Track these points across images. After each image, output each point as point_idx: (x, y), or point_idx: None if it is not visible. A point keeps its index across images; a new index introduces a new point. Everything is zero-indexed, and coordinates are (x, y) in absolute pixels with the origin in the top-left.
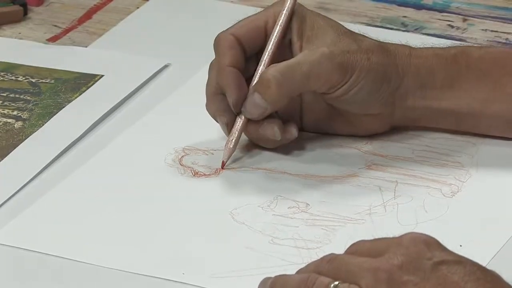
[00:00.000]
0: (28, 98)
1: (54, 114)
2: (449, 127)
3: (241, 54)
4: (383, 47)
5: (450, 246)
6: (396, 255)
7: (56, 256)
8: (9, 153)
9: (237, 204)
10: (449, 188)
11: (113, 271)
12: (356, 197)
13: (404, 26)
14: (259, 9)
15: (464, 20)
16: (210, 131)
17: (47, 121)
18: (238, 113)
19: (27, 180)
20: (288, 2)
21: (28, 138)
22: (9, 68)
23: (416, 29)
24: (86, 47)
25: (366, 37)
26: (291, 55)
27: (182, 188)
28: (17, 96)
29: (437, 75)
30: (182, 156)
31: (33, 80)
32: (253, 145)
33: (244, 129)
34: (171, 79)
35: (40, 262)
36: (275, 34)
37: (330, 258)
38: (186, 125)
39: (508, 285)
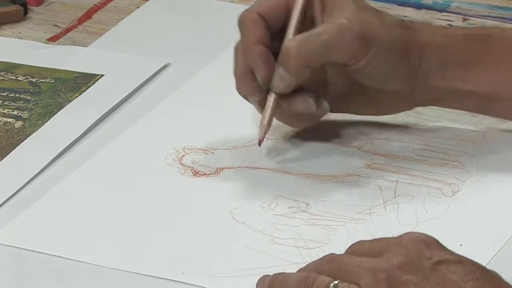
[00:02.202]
0: (28, 97)
1: (54, 114)
2: (470, 109)
3: (266, 31)
4: (405, 24)
5: (450, 246)
6: (395, 255)
7: (56, 256)
8: (9, 153)
9: (237, 203)
10: (449, 187)
11: (113, 271)
12: (357, 197)
13: None
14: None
15: (464, 19)
16: (210, 131)
17: (47, 121)
18: (269, 90)
19: (27, 180)
20: None
21: (28, 138)
22: (9, 68)
23: None
24: (86, 47)
25: (389, 14)
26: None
27: (182, 187)
28: (17, 95)
29: (458, 55)
30: (182, 156)
31: (33, 80)
32: (253, 145)
33: (276, 105)
34: (171, 79)
35: (40, 262)
36: (298, 8)
37: (330, 258)
38: (186, 125)
39: (508, 285)
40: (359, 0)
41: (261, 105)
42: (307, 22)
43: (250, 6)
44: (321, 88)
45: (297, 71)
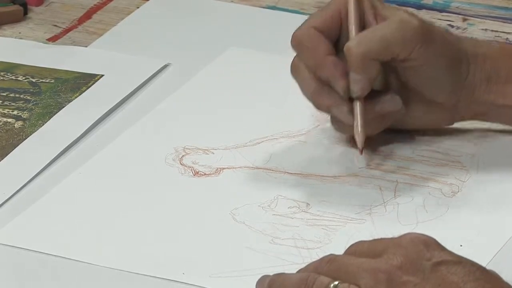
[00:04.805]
0: (28, 97)
1: (54, 114)
2: (510, 124)
3: (329, 43)
4: (451, 33)
5: (450, 246)
6: (395, 256)
7: (56, 256)
8: (9, 153)
9: (237, 203)
10: (449, 188)
11: (113, 271)
12: (357, 197)
13: None
14: (259, 9)
15: (464, 19)
16: (210, 131)
17: (47, 121)
18: (351, 99)
19: (27, 180)
20: None
21: (28, 138)
22: (9, 68)
23: None
24: (86, 47)
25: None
26: None
27: (183, 187)
28: (17, 95)
29: (502, 69)
30: (183, 156)
31: (33, 80)
32: (253, 145)
33: (363, 110)
34: (171, 79)
35: (40, 262)
36: (352, 15)
37: (330, 259)
38: (186, 125)
39: (507, 285)
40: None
41: (349, 114)
42: (362, 28)
43: (302, 23)
44: None
45: (363, 67)
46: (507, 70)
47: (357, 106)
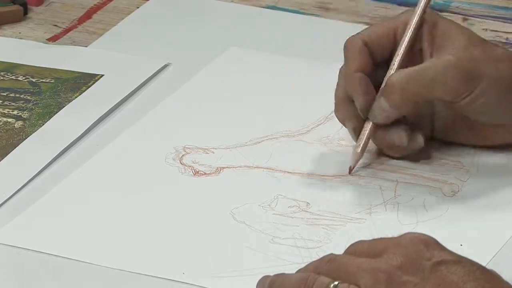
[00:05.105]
0: (28, 97)
1: (54, 114)
2: None
3: (369, 59)
4: (511, 57)
5: (450, 246)
6: (395, 256)
7: (56, 256)
8: (9, 153)
9: (238, 203)
10: (449, 187)
11: (113, 271)
12: (357, 197)
13: None
14: (259, 9)
15: (464, 19)
16: (210, 130)
17: (47, 121)
18: (366, 119)
19: (27, 180)
20: (420, 9)
21: (28, 138)
22: (9, 67)
23: None
24: (86, 47)
25: (499, 46)
26: (421, 62)
27: (183, 187)
28: (17, 95)
29: None
30: (183, 155)
31: (33, 80)
32: (253, 144)
33: (372, 134)
34: (171, 79)
35: (40, 262)
36: (405, 40)
37: (330, 259)
38: (186, 125)
39: (508, 285)
40: (470, 33)
41: (356, 132)
42: (415, 53)
43: (362, 30)
44: (427, 120)
45: (399, 105)
46: None
47: (368, 128)
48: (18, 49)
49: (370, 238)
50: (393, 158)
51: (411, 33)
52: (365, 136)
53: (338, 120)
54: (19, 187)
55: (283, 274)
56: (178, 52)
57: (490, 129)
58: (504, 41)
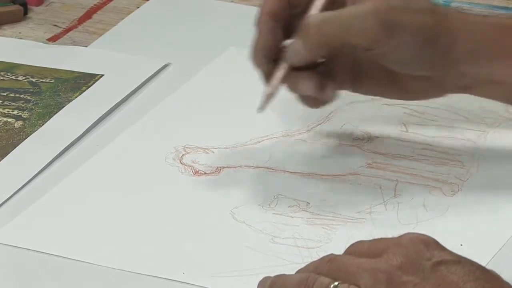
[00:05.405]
0: (28, 97)
1: (54, 114)
2: (501, 99)
3: (285, 5)
4: (435, 9)
5: (450, 246)
6: (395, 256)
7: (56, 255)
8: (9, 153)
9: (237, 203)
10: (449, 187)
11: (113, 271)
12: (357, 196)
13: None
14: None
15: None
16: (210, 130)
17: (47, 121)
18: (275, 60)
19: (27, 180)
20: None
21: (28, 138)
22: (9, 67)
23: None
24: (86, 47)
25: None
26: None
27: (183, 187)
28: (17, 95)
29: (491, 43)
30: (183, 155)
31: (33, 80)
32: (254, 144)
33: (285, 77)
34: (171, 79)
35: (40, 262)
36: None
37: (330, 259)
38: (186, 124)
39: (507, 285)
40: None
41: (267, 76)
42: (337, 3)
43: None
44: (345, 69)
45: (313, 48)
46: (496, 44)
47: (281, 70)
48: (18, 49)
49: (370, 238)
50: (310, 107)
51: None
52: (278, 77)
53: (253, 65)
54: (19, 187)
55: (283, 274)
56: (178, 52)
57: (413, 82)
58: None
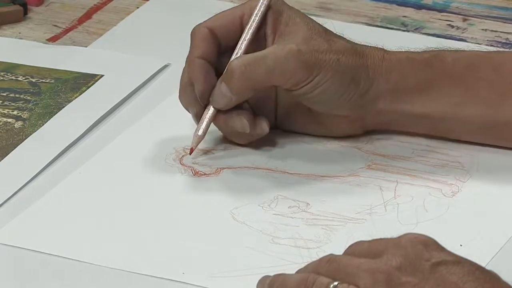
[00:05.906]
0: (28, 98)
1: (54, 114)
2: (423, 131)
3: (213, 46)
4: (355, 49)
5: (450, 246)
6: (394, 256)
7: (56, 256)
8: (9, 153)
9: (237, 203)
10: (449, 188)
11: (113, 271)
12: (357, 197)
13: (404, 26)
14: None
15: (464, 20)
16: (210, 131)
17: (47, 121)
18: (206, 104)
19: (27, 180)
20: None
21: (28, 138)
22: (9, 68)
23: (416, 29)
24: (86, 47)
25: (341, 37)
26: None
27: (182, 187)
28: (17, 96)
29: (410, 79)
30: (183, 156)
31: (33, 80)
32: (252, 145)
33: (213, 119)
34: (171, 79)
35: (40, 262)
36: (249, 26)
37: (329, 259)
38: (186, 125)
39: (507, 285)
40: (314, 24)
41: (198, 118)
42: (259, 39)
43: (207, 19)
44: (268, 104)
45: (239, 91)
46: (415, 79)
47: (209, 113)
48: (18, 49)
49: (370, 238)
50: (239, 145)
51: (256, 19)
52: (206, 120)
53: (182, 105)
54: (19, 187)
55: (282, 274)
56: (178, 52)
57: (331, 120)
58: (504, 41)
